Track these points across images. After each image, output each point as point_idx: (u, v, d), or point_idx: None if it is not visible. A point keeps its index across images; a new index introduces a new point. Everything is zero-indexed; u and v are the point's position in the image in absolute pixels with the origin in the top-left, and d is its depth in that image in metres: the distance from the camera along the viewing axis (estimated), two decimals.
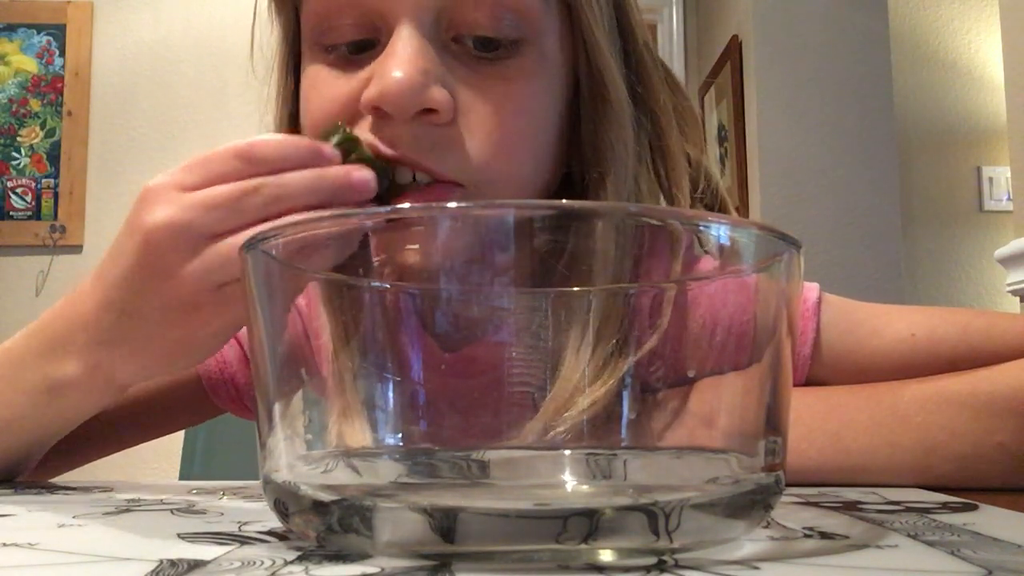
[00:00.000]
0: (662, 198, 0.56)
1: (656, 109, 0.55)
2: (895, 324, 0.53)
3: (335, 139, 0.44)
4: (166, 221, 0.40)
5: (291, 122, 0.54)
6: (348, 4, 0.48)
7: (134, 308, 0.42)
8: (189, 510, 0.35)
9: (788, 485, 0.29)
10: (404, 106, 0.45)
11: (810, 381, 0.54)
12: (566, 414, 0.29)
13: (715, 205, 0.58)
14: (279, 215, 0.40)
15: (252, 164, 0.41)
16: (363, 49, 0.49)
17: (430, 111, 0.45)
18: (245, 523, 0.31)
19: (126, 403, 0.60)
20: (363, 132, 0.46)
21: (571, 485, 0.28)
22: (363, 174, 0.42)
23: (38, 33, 2.70)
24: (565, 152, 0.52)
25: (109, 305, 0.43)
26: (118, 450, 0.63)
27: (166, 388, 0.61)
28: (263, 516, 0.33)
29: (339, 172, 0.42)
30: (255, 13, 0.57)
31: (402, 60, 0.45)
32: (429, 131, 0.46)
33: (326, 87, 0.49)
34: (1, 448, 0.49)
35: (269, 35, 0.56)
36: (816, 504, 0.36)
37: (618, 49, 0.53)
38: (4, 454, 0.49)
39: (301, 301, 0.28)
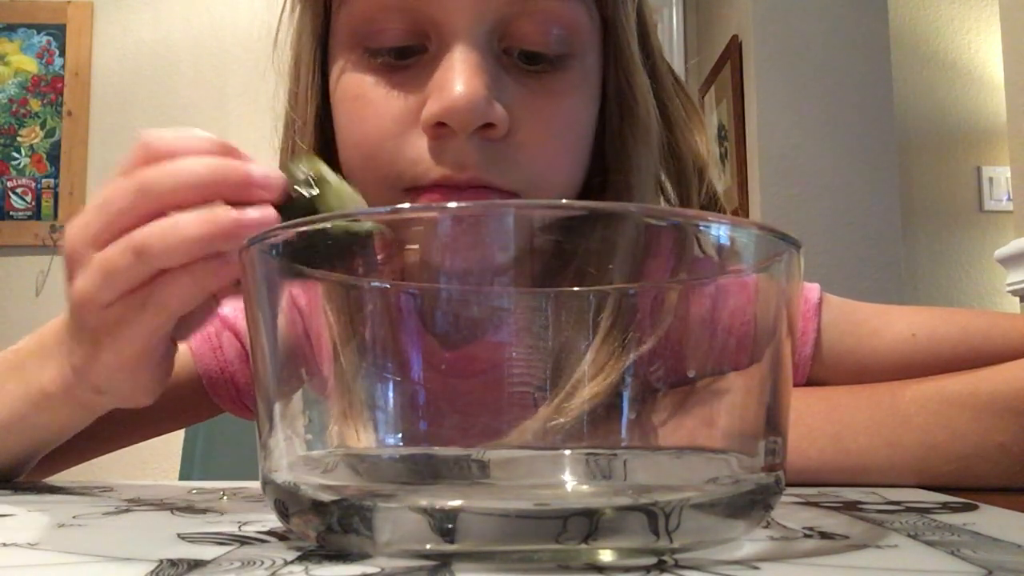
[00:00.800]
0: (663, 202, 0.56)
1: (671, 117, 0.56)
2: (896, 324, 0.53)
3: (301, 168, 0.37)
4: (82, 293, 0.36)
5: (317, 119, 0.53)
6: (401, 9, 0.47)
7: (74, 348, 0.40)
8: (189, 510, 0.35)
9: (788, 485, 0.29)
10: (469, 121, 0.45)
11: (811, 381, 0.54)
12: (570, 414, 0.29)
13: (712, 209, 0.58)
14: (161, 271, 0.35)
15: (147, 197, 0.35)
16: (408, 55, 0.48)
17: (488, 126, 0.46)
18: (245, 523, 0.31)
19: (125, 409, 0.60)
20: (420, 149, 0.47)
21: (571, 485, 0.28)
22: (258, 214, 0.34)
23: (38, 33, 2.70)
24: (591, 158, 0.53)
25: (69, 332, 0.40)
26: (118, 448, 0.63)
27: (166, 388, 0.61)
28: (263, 516, 0.33)
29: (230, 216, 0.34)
30: (282, 9, 0.56)
31: (464, 75, 0.45)
32: (487, 146, 0.46)
33: (379, 103, 0.48)
34: (23, 441, 0.49)
35: (274, 30, 0.56)
36: (816, 504, 0.36)
37: (644, 65, 0.54)
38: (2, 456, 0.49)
39: (301, 301, 0.28)
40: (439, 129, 0.46)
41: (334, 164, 0.51)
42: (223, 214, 0.34)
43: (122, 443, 0.63)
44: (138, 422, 0.62)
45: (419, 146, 0.47)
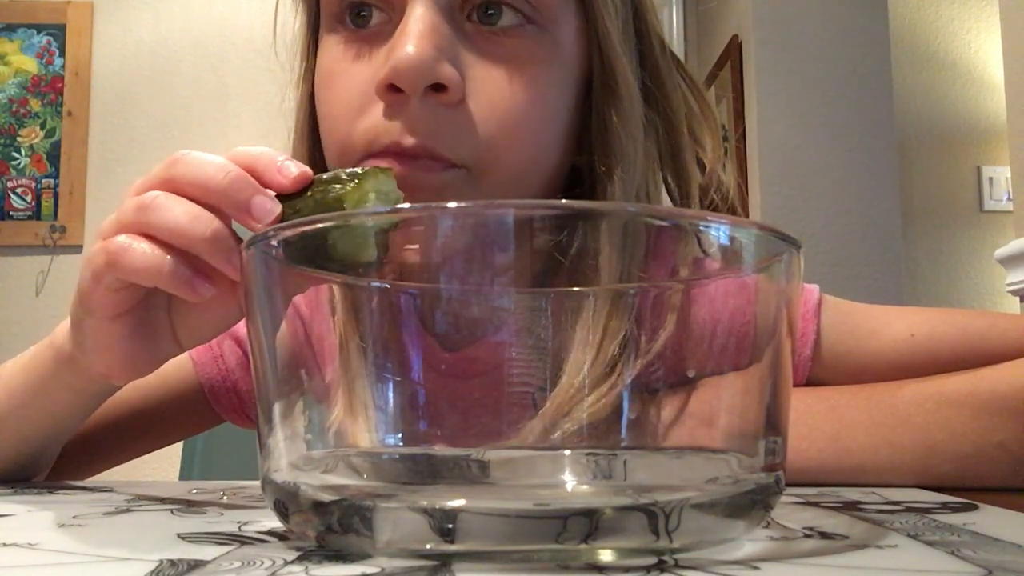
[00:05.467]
0: (668, 202, 0.56)
1: (668, 114, 0.55)
2: (894, 325, 0.53)
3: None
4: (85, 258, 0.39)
5: (310, 101, 0.54)
6: None
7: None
8: (189, 510, 0.35)
9: (788, 485, 0.29)
10: (416, 80, 0.44)
11: (810, 382, 0.54)
12: (570, 415, 0.29)
13: (722, 210, 0.57)
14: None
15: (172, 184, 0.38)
16: (374, 25, 0.49)
17: (440, 89, 0.45)
18: (245, 523, 0.31)
19: (129, 413, 0.60)
20: (377, 117, 0.46)
21: (571, 485, 0.28)
22: (264, 202, 0.36)
23: (38, 33, 2.70)
24: (574, 146, 0.52)
25: None
26: (124, 461, 0.63)
27: (168, 398, 0.61)
28: (263, 516, 0.33)
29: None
30: (277, 2, 0.57)
31: (414, 36, 0.45)
32: (440, 111, 0.46)
33: (345, 77, 0.49)
34: (24, 426, 0.50)
35: (283, 24, 0.57)
36: (816, 504, 0.36)
37: (632, 48, 0.53)
38: (26, 435, 0.50)
39: (301, 301, 0.28)
40: (392, 94, 0.45)
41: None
42: (218, 229, 0.36)
43: (128, 456, 0.63)
44: (140, 432, 0.62)
45: (376, 114, 0.47)
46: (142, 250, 0.36)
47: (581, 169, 0.53)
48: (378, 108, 0.47)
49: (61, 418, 0.50)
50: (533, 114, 0.48)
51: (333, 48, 0.50)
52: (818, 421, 0.47)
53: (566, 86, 0.51)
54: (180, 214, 0.36)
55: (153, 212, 0.36)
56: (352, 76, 0.49)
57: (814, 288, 0.55)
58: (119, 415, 0.59)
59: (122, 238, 0.37)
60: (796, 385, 0.48)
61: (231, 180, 0.36)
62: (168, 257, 0.36)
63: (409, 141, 0.45)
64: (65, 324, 0.45)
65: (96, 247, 0.38)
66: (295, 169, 0.37)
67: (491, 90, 0.47)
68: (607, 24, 0.50)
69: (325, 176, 0.37)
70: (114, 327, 0.39)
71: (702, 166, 0.56)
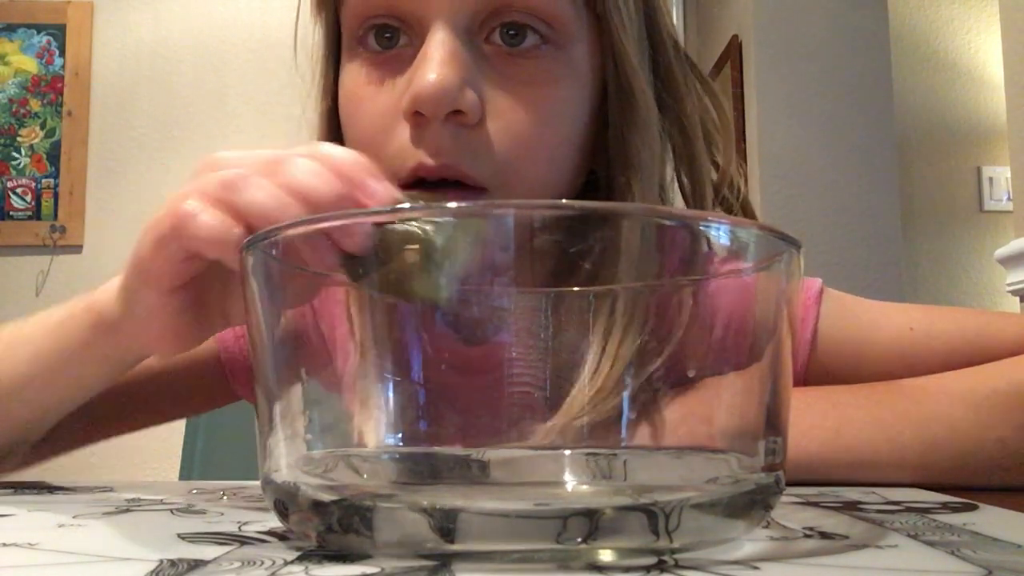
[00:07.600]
0: (681, 201, 0.56)
1: (682, 116, 0.55)
2: (894, 318, 0.54)
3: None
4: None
5: (330, 116, 0.55)
6: (384, 5, 0.49)
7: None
8: (189, 510, 0.35)
9: (788, 483, 0.29)
10: (437, 108, 0.46)
11: (810, 370, 0.54)
12: (585, 416, 0.29)
13: (736, 213, 0.58)
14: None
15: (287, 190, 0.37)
16: (395, 48, 0.50)
17: (459, 112, 0.47)
18: (245, 523, 0.31)
19: (146, 378, 0.58)
20: (404, 140, 0.48)
21: (571, 485, 0.28)
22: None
23: (38, 33, 2.70)
24: (590, 157, 0.53)
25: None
26: (132, 429, 0.63)
27: (186, 367, 0.61)
28: (263, 516, 0.33)
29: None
30: (298, 11, 0.58)
31: (436, 63, 0.46)
32: (461, 132, 0.47)
33: (370, 100, 0.50)
34: (48, 393, 0.48)
35: (272, 30, 0.57)
36: (816, 504, 0.36)
37: (647, 57, 0.54)
38: (47, 403, 0.49)
39: (301, 301, 0.28)
40: (417, 118, 0.47)
41: None
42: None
43: (138, 425, 0.63)
44: (153, 400, 0.61)
45: (403, 137, 0.48)
46: (211, 219, 0.35)
47: (598, 179, 0.53)
48: (404, 130, 0.48)
49: (86, 387, 0.48)
50: (550, 133, 0.50)
51: (356, 71, 0.51)
52: (818, 417, 0.47)
53: (582, 103, 0.52)
54: (267, 198, 0.35)
55: (241, 192, 0.35)
56: (376, 101, 0.50)
57: (816, 280, 0.55)
58: (135, 379, 0.57)
59: (192, 202, 0.35)
60: (795, 370, 0.48)
61: (337, 200, 0.34)
62: (238, 229, 0.34)
63: (434, 163, 0.47)
64: (107, 288, 0.43)
65: (162, 212, 0.36)
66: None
67: (509, 112, 0.48)
68: (623, 40, 0.51)
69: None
70: (169, 300, 0.38)
71: (715, 164, 0.57)
